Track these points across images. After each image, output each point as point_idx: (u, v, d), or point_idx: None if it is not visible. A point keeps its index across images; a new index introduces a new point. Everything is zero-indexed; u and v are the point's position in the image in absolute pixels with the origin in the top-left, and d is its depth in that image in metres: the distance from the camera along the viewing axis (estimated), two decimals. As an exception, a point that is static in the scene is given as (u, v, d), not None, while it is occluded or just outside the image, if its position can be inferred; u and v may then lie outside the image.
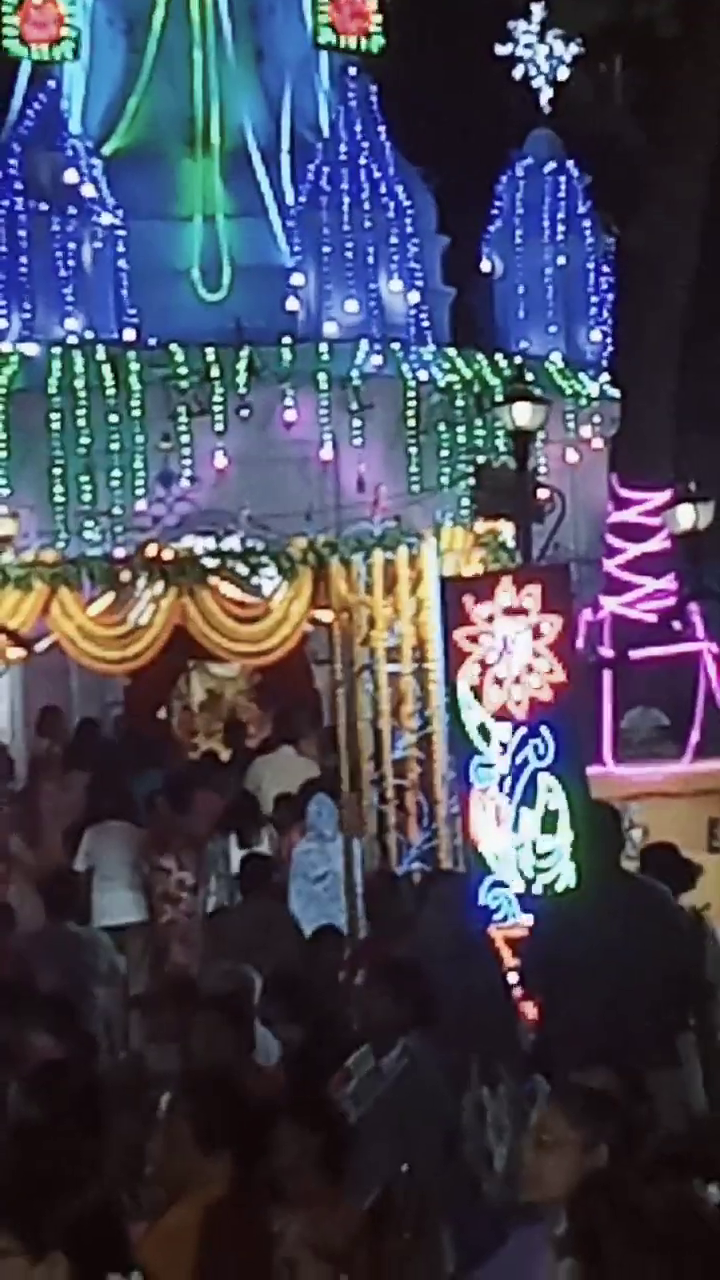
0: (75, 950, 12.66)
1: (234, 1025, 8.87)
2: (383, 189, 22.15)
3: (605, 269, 23.00)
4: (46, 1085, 7.08)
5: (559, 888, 11.35)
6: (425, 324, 22.35)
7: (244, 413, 20.86)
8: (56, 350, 21.04)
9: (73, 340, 21.21)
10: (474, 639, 12.42)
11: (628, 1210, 3.25)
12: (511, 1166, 7.64)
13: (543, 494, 17.55)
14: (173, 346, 21.04)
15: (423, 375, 21.55)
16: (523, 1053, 8.56)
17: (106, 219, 21.88)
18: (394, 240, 22.15)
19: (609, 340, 22.48)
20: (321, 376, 21.15)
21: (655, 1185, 3.42)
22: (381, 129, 22.60)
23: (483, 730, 12.30)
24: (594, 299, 23.55)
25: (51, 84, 22.39)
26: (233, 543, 17.32)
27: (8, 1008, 9.56)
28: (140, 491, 20.44)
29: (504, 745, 12.17)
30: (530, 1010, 9.65)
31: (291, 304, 22.04)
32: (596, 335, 23.46)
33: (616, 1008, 8.45)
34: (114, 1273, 4.12)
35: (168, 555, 17.14)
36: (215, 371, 20.86)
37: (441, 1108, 7.51)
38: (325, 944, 12.53)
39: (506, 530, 17.34)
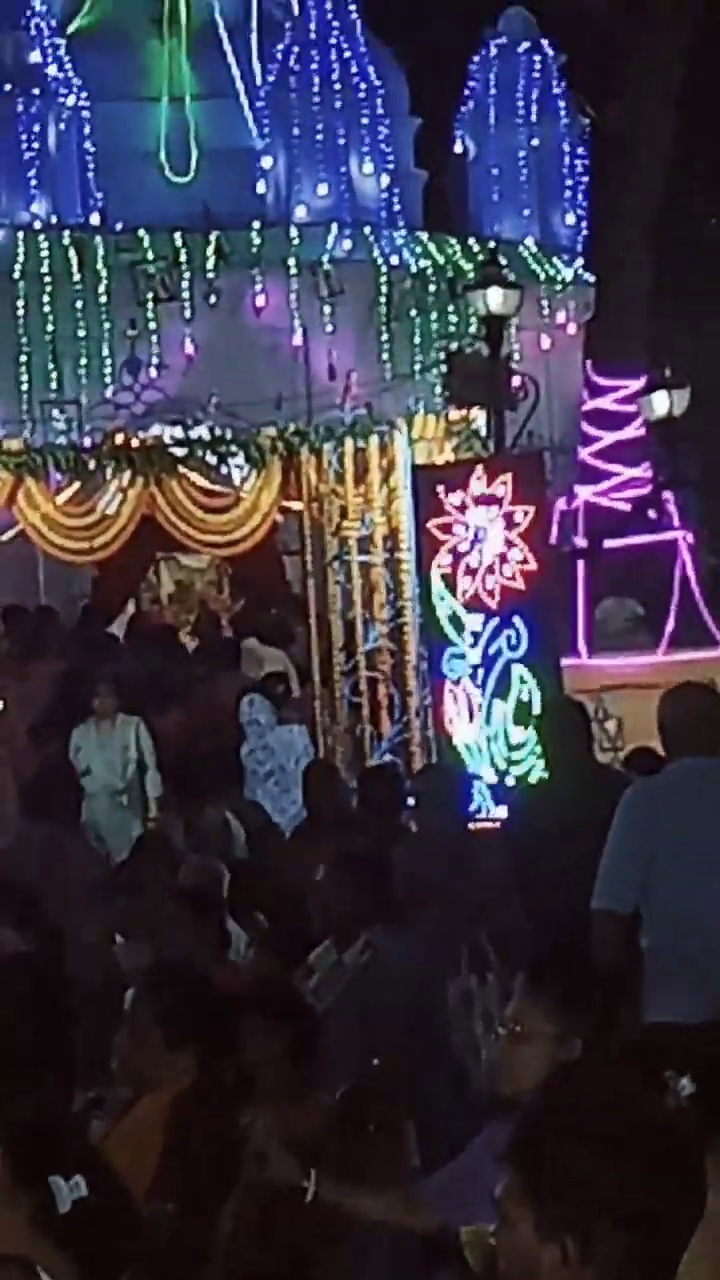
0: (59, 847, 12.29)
1: (202, 919, 8.80)
2: (353, 69, 21.80)
3: (580, 151, 22.70)
4: (10, 980, 6.95)
5: (532, 780, 11.26)
6: (397, 207, 22.09)
7: (212, 299, 20.62)
8: (21, 234, 20.73)
9: (38, 224, 20.90)
10: (446, 528, 12.30)
11: (570, 1102, 3.13)
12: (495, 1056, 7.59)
13: (516, 381, 17.37)
14: (140, 231, 20.77)
15: (394, 260, 21.32)
16: (522, 942, 8.49)
17: (71, 100, 21.51)
18: (365, 122, 21.83)
19: (584, 224, 22.21)
20: (291, 261, 20.90)
21: (608, 1079, 3.30)
22: (352, 7, 22.23)
23: (455, 621, 12.20)
24: (569, 181, 23.28)
25: (14, -39, 21.98)
26: (201, 431, 17.17)
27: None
28: (108, 379, 20.22)
29: (476, 636, 12.09)
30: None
31: (260, 187, 21.78)
32: (571, 219, 23.20)
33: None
34: (56, 1176, 4.06)
35: (135, 444, 16.97)
36: (183, 256, 20.61)
37: (408, 1001, 7.43)
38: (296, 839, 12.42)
39: (479, 418, 17.17)
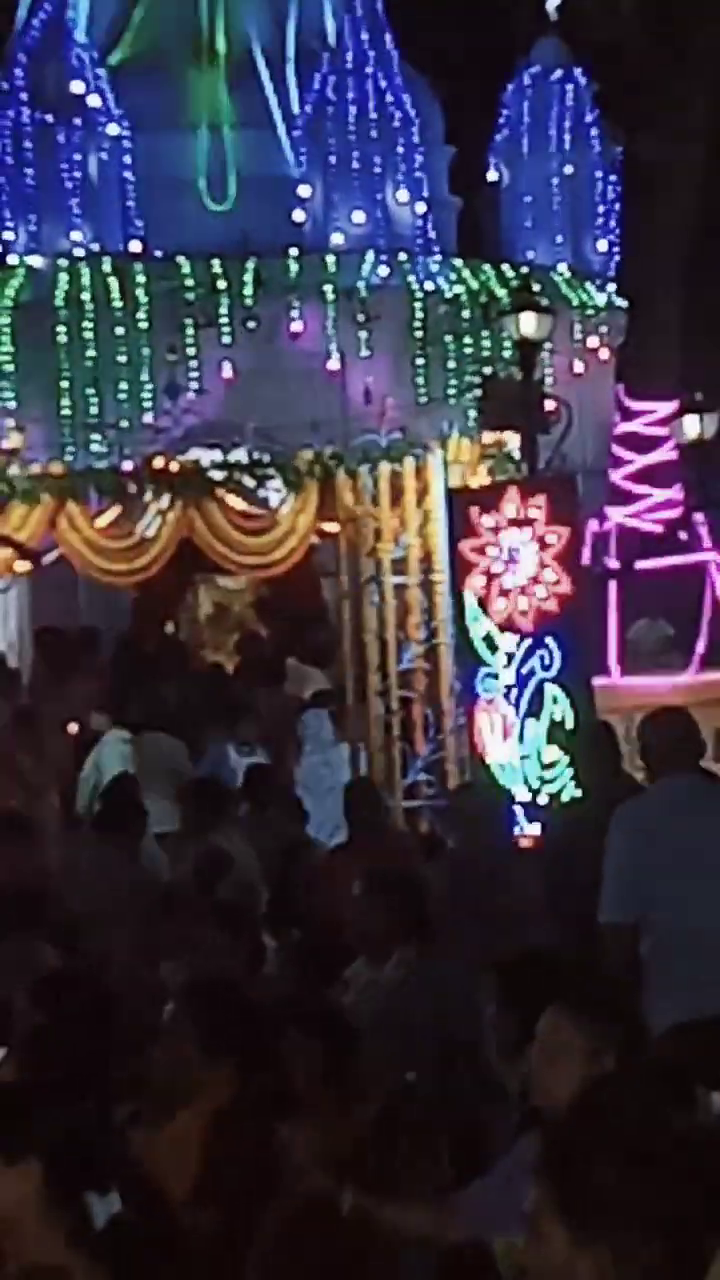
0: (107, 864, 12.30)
1: (239, 935, 8.94)
2: (389, 98, 21.93)
3: (613, 178, 22.81)
4: (54, 996, 7.11)
5: (564, 799, 11.42)
6: (432, 234, 22.19)
7: (250, 324, 20.74)
8: (63, 263, 20.93)
9: (79, 252, 21.08)
10: (480, 550, 12.45)
11: (600, 1115, 3.24)
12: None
13: (549, 405, 17.50)
14: (179, 258, 20.90)
15: (429, 286, 21.41)
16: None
17: (112, 129, 21.69)
18: (400, 150, 21.94)
19: (616, 250, 22.33)
20: (328, 288, 21.01)
21: (638, 1094, 3.41)
22: (388, 38, 22.39)
23: (489, 641, 12.34)
24: (601, 208, 23.35)
25: (57, -7, 22.21)
26: (239, 455, 17.35)
27: (19, 920, 9.56)
28: (147, 404, 20.35)
29: (510, 656, 12.23)
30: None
31: (298, 215, 21.87)
32: (603, 245, 23.29)
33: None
34: (91, 1191, 4.17)
35: (174, 468, 17.17)
36: (221, 283, 20.74)
37: (443, 1017, 7.54)
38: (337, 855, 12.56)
39: (513, 441, 17.32)
